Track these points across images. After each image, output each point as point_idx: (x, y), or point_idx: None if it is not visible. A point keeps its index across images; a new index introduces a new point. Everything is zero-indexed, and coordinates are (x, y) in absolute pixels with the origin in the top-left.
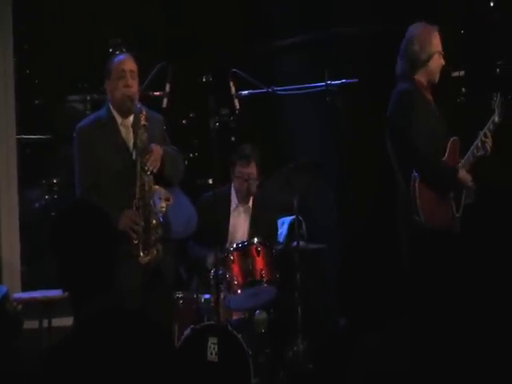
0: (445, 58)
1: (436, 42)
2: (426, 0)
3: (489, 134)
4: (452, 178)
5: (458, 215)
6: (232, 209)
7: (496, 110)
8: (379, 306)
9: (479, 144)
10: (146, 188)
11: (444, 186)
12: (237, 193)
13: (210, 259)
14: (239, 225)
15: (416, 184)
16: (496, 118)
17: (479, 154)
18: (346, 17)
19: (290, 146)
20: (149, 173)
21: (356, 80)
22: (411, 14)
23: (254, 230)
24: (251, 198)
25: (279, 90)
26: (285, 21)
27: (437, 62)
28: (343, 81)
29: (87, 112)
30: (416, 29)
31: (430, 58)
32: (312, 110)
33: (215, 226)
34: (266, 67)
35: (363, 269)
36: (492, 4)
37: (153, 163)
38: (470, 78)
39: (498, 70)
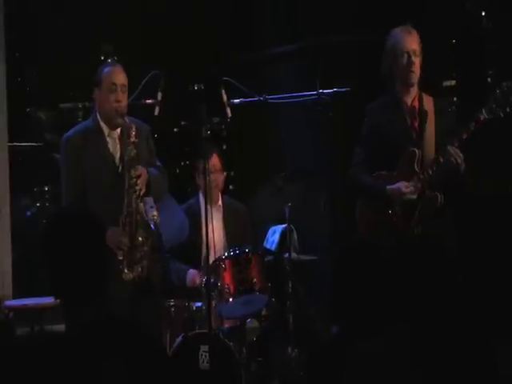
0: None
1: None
2: (418, 9)
3: (452, 148)
4: (380, 195)
5: (413, 223)
6: (203, 215)
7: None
8: (374, 314)
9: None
10: (133, 206)
11: (375, 202)
12: (205, 194)
13: (189, 278)
14: (214, 226)
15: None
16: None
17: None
18: (338, 25)
19: (281, 155)
20: (136, 192)
21: (348, 89)
22: (403, 23)
23: (228, 229)
24: (220, 197)
25: (271, 98)
26: (277, 29)
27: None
28: (335, 90)
29: (79, 120)
30: None
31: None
32: (304, 119)
33: (192, 242)
34: (257, 75)
35: (357, 277)
36: (484, 13)
37: (139, 185)
38: (462, 87)
39: (489, 79)
